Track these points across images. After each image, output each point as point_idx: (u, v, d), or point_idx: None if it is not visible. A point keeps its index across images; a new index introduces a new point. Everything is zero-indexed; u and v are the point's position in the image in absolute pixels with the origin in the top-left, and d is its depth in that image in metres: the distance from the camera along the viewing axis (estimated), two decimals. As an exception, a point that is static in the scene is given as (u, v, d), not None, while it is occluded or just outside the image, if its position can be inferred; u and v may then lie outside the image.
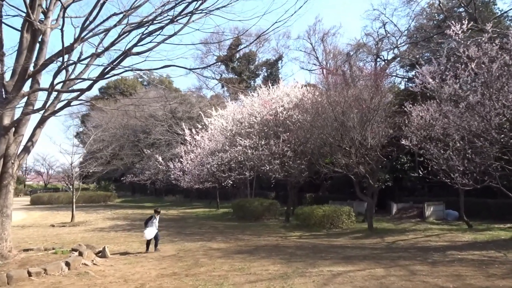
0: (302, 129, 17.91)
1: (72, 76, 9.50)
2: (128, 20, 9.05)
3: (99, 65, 9.60)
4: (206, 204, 33.68)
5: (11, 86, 8.21)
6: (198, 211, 27.90)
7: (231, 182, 21.44)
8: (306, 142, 18.15)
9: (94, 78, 8.53)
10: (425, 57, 17.49)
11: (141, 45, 8.59)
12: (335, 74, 19.13)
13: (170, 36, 9.11)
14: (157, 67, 8.31)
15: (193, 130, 25.55)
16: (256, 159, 18.76)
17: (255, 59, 42.53)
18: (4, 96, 8.35)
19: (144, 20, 8.39)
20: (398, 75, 25.37)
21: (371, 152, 15.41)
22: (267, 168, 18.10)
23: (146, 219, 11.86)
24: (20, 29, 8.35)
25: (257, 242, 13.17)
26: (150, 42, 8.58)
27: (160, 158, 28.83)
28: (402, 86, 26.92)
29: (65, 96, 9.95)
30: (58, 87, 9.23)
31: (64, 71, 9.54)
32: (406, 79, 25.58)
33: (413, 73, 24.07)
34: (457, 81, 11.19)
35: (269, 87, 21.30)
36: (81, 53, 9.18)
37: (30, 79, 8.98)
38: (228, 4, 8.80)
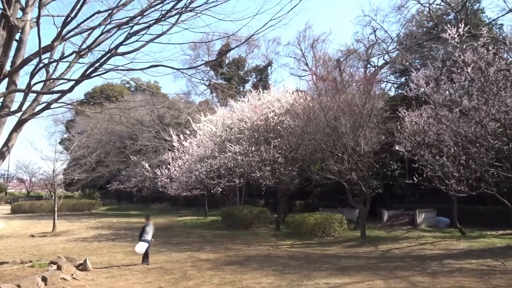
0: (293, 135, 17.53)
1: (54, 77, 8.92)
2: (112, 18, 8.56)
3: (84, 64, 9.03)
4: (194, 212, 32.97)
5: (-16, 87, 7.62)
6: (186, 219, 27.15)
7: (220, 190, 20.80)
8: (298, 148, 17.78)
9: (76, 79, 7.98)
10: (417, 63, 17.41)
11: (127, 44, 8.09)
12: (326, 79, 18.84)
13: (158, 36, 8.63)
14: (144, 67, 7.78)
15: (181, 136, 24.88)
16: (246, 165, 18.24)
17: (244, 64, 42.31)
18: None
19: (130, 18, 7.90)
20: (390, 81, 25.34)
21: (363, 159, 15.14)
22: (258, 175, 17.60)
23: (140, 231, 11.08)
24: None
25: (248, 252, 12.66)
26: (137, 41, 8.09)
27: (147, 165, 28.00)
28: (392, 93, 26.94)
29: (46, 98, 9.38)
30: (38, 88, 8.67)
31: (44, 71, 9.00)
32: (397, 85, 25.60)
33: (403, 79, 24.14)
34: (453, 85, 11.00)
35: (260, 92, 20.93)
36: (62, 53, 8.64)
37: (7, 80, 8.38)
38: (218, 4, 8.41)
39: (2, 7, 7.02)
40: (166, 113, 34.89)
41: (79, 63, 8.84)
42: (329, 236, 15.78)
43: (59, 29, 7.44)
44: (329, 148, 15.26)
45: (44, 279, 7.97)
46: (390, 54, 25.89)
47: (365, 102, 14.97)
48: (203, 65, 40.58)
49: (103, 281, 8.72)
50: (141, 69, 7.76)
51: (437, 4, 23.07)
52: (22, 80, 7.79)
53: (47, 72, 9.02)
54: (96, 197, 45.16)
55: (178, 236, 17.44)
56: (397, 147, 13.38)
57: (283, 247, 13.69)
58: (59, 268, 8.89)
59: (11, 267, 9.60)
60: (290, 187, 19.09)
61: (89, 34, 8.86)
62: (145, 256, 10.80)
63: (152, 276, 9.18)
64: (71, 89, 8.30)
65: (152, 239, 11.17)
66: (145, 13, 8.36)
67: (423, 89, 12.22)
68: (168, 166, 25.42)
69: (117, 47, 8.16)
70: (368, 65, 27.74)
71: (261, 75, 40.97)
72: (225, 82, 39.53)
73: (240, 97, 23.81)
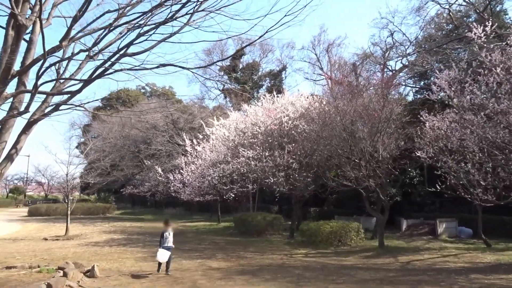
0: (308, 140, 17.01)
1: (62, 78, 8.75)
2: (121, 18, 8.34)
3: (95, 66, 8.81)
4: (207, 217, 32.54)
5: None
6: (199, 225, 26.70)
7: (233, 195, 20.31)
8: (313, 154, 17.25)
9: (85, 79, 7.76)
10: (438, 66, 16.72)
11: (137, 43, 7.84)
12: (342, 83, 18.29)
13: (169, 36, 8.35)
14: (153, 67, 7.50)
15: (194, 141, 24.70)
16: (259, 171, 17.82)
17: (258, 69, 42.10)
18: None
19: (142, 13, 7.63)
20: (408, 85, 24.57)
21: (381, 165, 14.50)
22: (271, 181, 17.11)
23: (160, 237, 10.34)
24: (5, 26, 7.64)
25: (261, 261, 12.19)
26: (146, 40, 7.83)
27: (159, 170, 27.63)
28: (410, 98, 26.15)
29: (58, 100, 9.22)
30: (48, 89, 8.51)
31: (55, 73, 8.84)
32: (416, 90, 24.81)
33: (422, 83, 23.37)
34: (480, 88, 10.36)
35: (274, 96, 20.53)
36: (72, 53, 8.44)
37: (16, 80, 8.24)
38: (231, 4, 8.09)
39: (10, 6, 6.86)
40: (179, 118, 34.86)
41: (91, 60, 8.64)
42: (345, 246, 15.14)
43: (67, 28, 7.24)
44: (346, 153, 14.69)
45: (49, 286, 7.69)
46: (408, 57, 25.16)
47: (383, 106, 14.39)
48: (217, 69, 40.49)
49: (110, 289, 8.42)
50: (150, 69, 7.49)
51: (459, 4, 22.30)
52: (33, 81, 7.57)
53: (58, 73, 8.87)
54: (111, 201, 45.41)
55: (190, 242, 17.09)
56: (418, 153, 12.72)
57: (297, 256, 13.17)
58: (65, 274, 8.63)
59: (18, 271, 9.41)
60: (305, 193, 18.52)
61: (100, 35, 8.65)
62: (167, 264, 10.10)
63: (160, 284, 8.83)
64: (80, 90, 8.09)
65: (173, 245, 10.45)
66: (156, 13, 8.14)
67: (446, 91, 11.61)
68: (181, 170, 25.09)
69: (127, 46, 7.92)
70: (385, 69, 27.05)
71: (275, 79, 40.63)
72: (238, 86, 39.40)
73: (254, 102, 23.49)
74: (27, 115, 8.48)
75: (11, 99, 7.97)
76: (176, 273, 10.11)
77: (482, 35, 10.08)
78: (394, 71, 26.95)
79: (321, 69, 36.89)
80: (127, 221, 30.65)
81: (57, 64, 8.59)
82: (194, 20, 8.42)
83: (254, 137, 18.94)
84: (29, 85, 8.40)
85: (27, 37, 8.44)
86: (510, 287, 8.37)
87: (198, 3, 8.09)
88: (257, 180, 19.11)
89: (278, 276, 9.70)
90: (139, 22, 7.78)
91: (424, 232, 18.60)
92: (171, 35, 8.34)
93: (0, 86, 6.91)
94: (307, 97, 19.89)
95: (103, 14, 8.19)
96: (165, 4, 7.48)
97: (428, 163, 13.24)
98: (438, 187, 11.69)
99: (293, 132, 17.73)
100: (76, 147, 48.38)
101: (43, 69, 6.80)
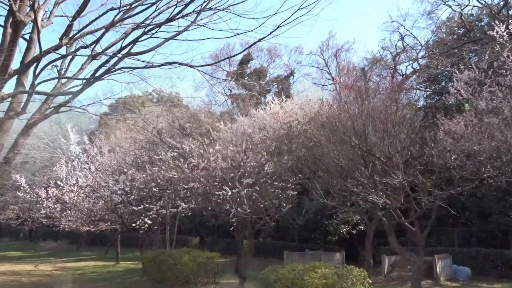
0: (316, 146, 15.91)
1: (64, 80, 8.41)
2: (124, 21, 8.02)
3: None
4: (101, 254, 23.66)
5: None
6: (88, 267, 18.99)
7: (147, 223, 13.46)
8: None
9: (86, 78, 7.40)
10: (451, 69, 16.21)
11: (142, 41, 7.48)
12: (351, 87, 17.76)
13: (176, 34, 8.01)
14: (159, 64, 7.15)
15: (86, 138, 17.22)
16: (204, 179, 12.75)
17: (266, 74, 41.37)
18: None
19: (147, 16, 7.29)
20: (421, 88, 24.00)
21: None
22: (228, 195, 11.73)
23: None
24: (3, 24, 7.33)
25: None
26: (151, 37, 7.47)
27: (23, 181, 15.60)
28: (421, 103, 25.58)
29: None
30: (48, 90, 8.16)
31: (56, 73, 8.51)
32: (428, 93, 24.19)
33: (436, 86, 22.79)
34: (502, 89, 9.83)
35: (282, 99, 18.73)
36: (75, 50, 8.10)
37: (15, 81, 7.91)
38: (240, 3, 7.72)
39: (7, 1, 6.54)
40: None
41: (96, 59, 8.29)
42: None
43: (66, 26, 6.91)
44: (357, 160, 13.49)
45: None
46: (420, 61, 24.63)
47: (397, 109, 13.80)
48: (224, 75, 40.23)
49: None
50: (156, 66, 7.11)
51: (472, 6, 21.74)
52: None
53: (59, 73, 8.54)
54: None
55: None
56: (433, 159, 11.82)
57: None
58: None
59: None
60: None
61: (102, 34, 8.31)
62: None
63: None
64: (81, 91, 7.74)
65: None
66: (162, 10, 7.80)
67: (462, 94, 11.06)
68: (60, 183, 15.58)
69: (132, 43, 7.57)
70: (396, 74, 26.56)
71: (283, 84, 40.18)
72: (245, 92, 39.12)
73: (262, 107, 22.22)
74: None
75: (9, 100, 7.63)
76: None
77: (505, 33, 9.58)
78: (404, 75, 26.44)
79: (330, 74, 36.41)
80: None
81: (58, 65, 8.27)
82: (201, 19, 8.07)
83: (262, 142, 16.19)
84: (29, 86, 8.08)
85: (28, 36, 8.15)
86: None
87: (206, 1, 7.75)
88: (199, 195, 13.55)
89: None
90: (145, 22, 7.42)
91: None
92: (178, 33, 7.99)
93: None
94: (316, 102, 19.32)
95: (106, 11, 7.85)
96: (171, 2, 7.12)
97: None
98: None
99: (302, 137, 16.96)
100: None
101: (39, 67, 6.42)
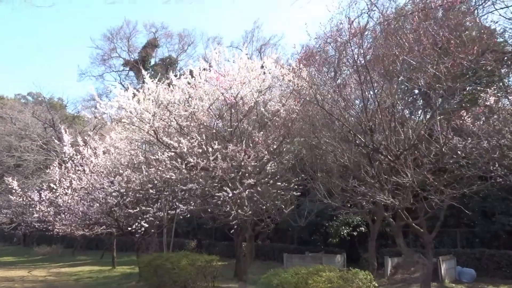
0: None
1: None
2: None
3: None
4: (97, 258, 23.54)
5: None
6: (83, 272, 18.71)
7: (145, 226, 12.92)
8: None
9: None
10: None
11: None
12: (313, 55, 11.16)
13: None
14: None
15: (80, 139, 15.85)
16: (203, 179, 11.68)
17: (175, 67, 34.55)
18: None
19: None
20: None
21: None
22: (227, 196, 10.72)
23: None
24: None
25: None
26: None
27: (15, 184, 16.67)
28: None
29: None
30: None
31: None
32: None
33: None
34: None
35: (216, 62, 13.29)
36: None
37: None
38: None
39: None
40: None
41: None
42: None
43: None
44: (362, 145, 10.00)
45: None
46: None
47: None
48: (119, 64, 36.39)
49: None
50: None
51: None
52: None
53: None
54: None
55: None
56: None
57: None
58: None
59: None
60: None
61: None
62: None
63: None
64: None
65: None
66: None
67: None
68: (53, 186, 15.71)
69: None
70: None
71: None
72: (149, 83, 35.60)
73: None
74: None
75: None
76: None
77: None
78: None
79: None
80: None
81: None
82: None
83: (189, 118, 12.24)
84: None
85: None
86: None
87: None
88: (198, 196, 12.84)
89: None
90: None
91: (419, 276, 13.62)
92: None
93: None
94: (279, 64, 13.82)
95: None
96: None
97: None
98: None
99: (265, 112, 12.43)
100: None
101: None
